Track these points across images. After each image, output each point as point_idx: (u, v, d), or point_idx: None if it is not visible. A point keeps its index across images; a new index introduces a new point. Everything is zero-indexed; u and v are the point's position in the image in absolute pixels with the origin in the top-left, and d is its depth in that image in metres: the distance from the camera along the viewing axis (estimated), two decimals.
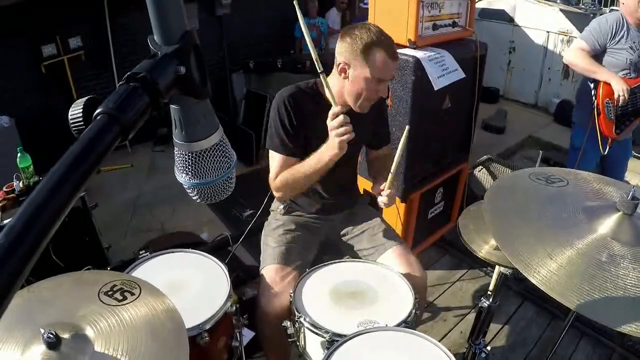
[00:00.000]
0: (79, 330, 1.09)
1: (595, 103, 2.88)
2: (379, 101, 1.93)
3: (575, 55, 2.93)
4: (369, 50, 1.66)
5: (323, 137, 1.68)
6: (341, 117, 1.57)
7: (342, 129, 1.57)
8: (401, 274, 1.78)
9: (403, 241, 2.04)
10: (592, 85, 2.91)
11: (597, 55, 2.90)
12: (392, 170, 1.76)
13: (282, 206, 2.07)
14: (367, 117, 1.90)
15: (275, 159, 1.84)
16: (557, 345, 1.78)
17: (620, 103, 2.78)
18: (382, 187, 1.81)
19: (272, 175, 1.85)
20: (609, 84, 2.81)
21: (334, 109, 1.59)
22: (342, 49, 1.72)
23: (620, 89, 2.75)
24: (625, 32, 2.81)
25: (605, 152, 2.98)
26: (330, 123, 1.60)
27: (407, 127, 1.68)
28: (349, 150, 1.66)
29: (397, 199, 2.72)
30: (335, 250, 2.14)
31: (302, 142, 1.83)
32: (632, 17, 2.79)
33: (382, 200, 1.82)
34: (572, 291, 1.01)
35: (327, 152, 1.66)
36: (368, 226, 2.07)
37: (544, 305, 2.80)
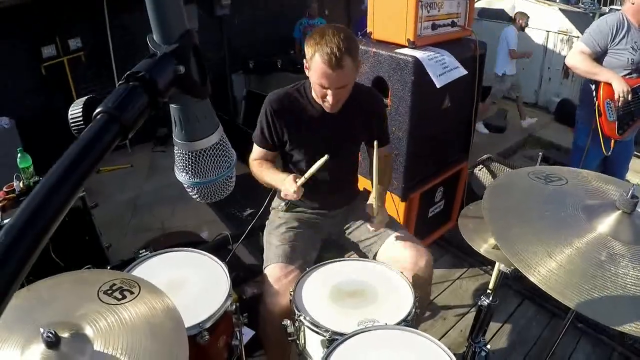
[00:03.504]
0: (79, 330, 1.09)
1: (596, 104, 2.87)
2: (373, 102, 2.01)
3: (577, 59, 2.93)
4: (312, 55, 1.72)
5: (306, 132, 1.93)
6: (294, 187, 1.75)
7: (288, 192, 1.77)
8: (406, 257, 1.84)
9: (404, 226, 2.06)
10: (593, 87, 2.91)
11: (599, 57, 2.89)
12: (373, 196, 1.89)
13: (283, 203, 2.08)
14: (358, 116, 1.97)
15: (255, 148, 2.05)
16: (556, 344, 1.78)
17: (621, 104, 2.78)
18: (368, 210, 1.91)
19: (250, 157, 2.06)
20: (610, 85, 2.80)
21: (292, 181, 1.76)
22: (305, 49, 1.78)
23: (621, 90, 2.74)
24: (626, 32, 2.80)
25: (609, 153, 2.96)
26: (287, 185, 1.78)
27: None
28: (338, 148, 1.92)
29: (397, 198, 2.72)
30: (338, 246, 2.16)
31: (281, 139, 1.98)
32: (637, 18, 2.79)
33: (373, 226, 1.93)
34: (572, 290, 1.01)
35: (279, 185, 1.87)
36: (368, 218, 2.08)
37: (544, 304, 2.80)
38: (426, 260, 1.92)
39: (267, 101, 1.94)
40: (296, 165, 2.03)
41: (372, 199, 1.90)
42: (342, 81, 1.74)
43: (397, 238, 1.96)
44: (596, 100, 2.87)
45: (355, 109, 1.94)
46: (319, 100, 1.86)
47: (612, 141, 2.93)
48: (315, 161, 1.98)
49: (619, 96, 2.75)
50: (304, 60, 1.80)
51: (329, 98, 1.78)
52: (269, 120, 1.92)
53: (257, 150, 2.04)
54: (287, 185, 1.77)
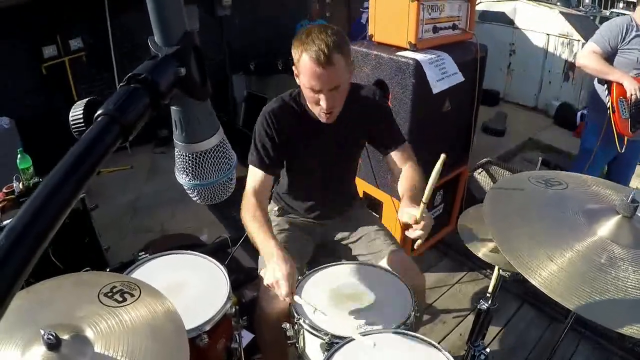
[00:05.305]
0: (79, 332, 1.09)
1: (610, 102, 2.92)
2: (375, 104, 1.89)
3: (588, 58, 2.97)
4: (299, 57, 1.59)
5: (305, 144, 1.82)
6: (286, 290, 1.48)
7: (277, 289, 1.50)
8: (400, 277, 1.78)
9: (400, 247, 2.00)
10: (604, 86, 2.95)
11: (609, 57, 2.93)
12: (423, 200, 1.55)
13: (276, 208, 2.06)
14: (359, 120, 1.86)
15: (252, 172, 1.82)
16: (556, 347, 1.78)
17: (633, 101, 2.81)
18: (412, 220, 1.60)
19: (247, 189, 1.81)
20: (621, 84, 2.84)
21: (286, 282, 1.48)
22: (292, 53, 1.64)
23: (632, 88, 2.78)
24: (636, 34, 2.84)
25: (622, 150, 2.99)
26: (282, 284, 1.49)
27: (442, 156, 1.41)
28: (337, 158, 1.88)
29: (397, 202, 2.71)
30: (331, 253, 2.13)
31: (282, 156, 1.83)
32: None
33: (414, 234, 1.60)
34: (573, 293, 1.01)
35: (268, 260, 1.61)
36: (365, 232, 2.02)
37: (543, 307, 2.80)
38: (418, 282, 1.87)
39: (262, 114, 1.80)
40: (294, 185, 1.98)
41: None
42: (334, 80, 1.58)
43: (391, 258, 1.89)
44: (609, 98, 2.91)
45: (356, 112, 1.83)
46: (313, 110, 1.74)
47: (625, 139, 2.96)
48: (312, 182, 1.92)
49: (631, 94, 2.79)
50: (293, 67, 1.67)
51: (322, 103, 1.62)
52: (271, 133, 1.77)
53: (256, 176, 1.80)
54: (282, 284, 1.49)
